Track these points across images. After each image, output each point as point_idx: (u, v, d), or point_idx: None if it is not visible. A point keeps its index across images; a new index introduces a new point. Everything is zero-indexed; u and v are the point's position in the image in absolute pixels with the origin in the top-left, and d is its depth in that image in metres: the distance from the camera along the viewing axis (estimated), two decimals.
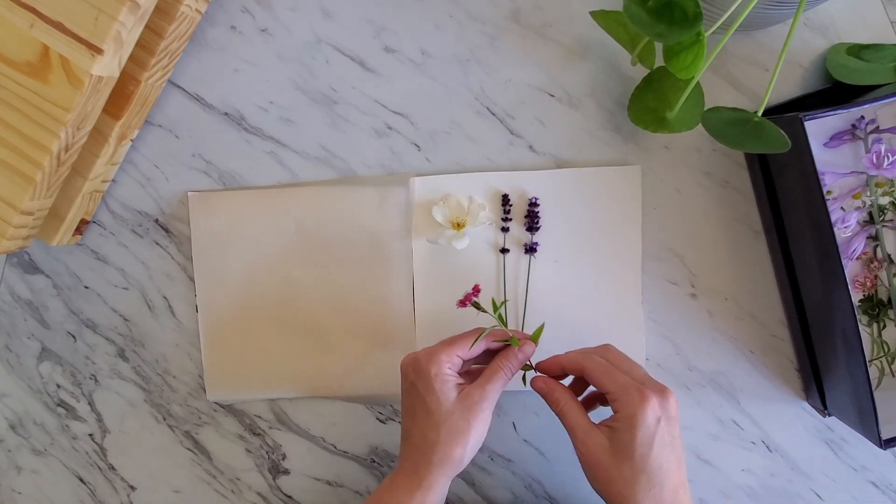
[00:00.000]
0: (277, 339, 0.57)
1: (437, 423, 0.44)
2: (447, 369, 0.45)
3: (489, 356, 0.48)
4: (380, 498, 0.45)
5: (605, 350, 0.47)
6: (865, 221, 0.54)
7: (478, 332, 0.47)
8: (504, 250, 0.56)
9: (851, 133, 0.53)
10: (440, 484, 0.44)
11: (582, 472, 0.58)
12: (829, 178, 0.53)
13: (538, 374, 0.48)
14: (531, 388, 0.48)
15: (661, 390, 0.43)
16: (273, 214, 0.56)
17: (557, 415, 0.46)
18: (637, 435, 0.42)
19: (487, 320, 0.48)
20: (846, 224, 0.53)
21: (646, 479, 0.42)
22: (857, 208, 0.54)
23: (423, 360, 0.45)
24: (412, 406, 0.46)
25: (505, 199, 0.55)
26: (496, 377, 0.46)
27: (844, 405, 0.52)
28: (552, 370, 0.48)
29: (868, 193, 0.54)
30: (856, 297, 0.55)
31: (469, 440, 0.44)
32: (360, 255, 0.56)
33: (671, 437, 0.43)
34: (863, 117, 0.53)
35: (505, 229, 0.56)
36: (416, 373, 0.46)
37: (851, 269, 0.55)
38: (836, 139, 0.53)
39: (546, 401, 0.47)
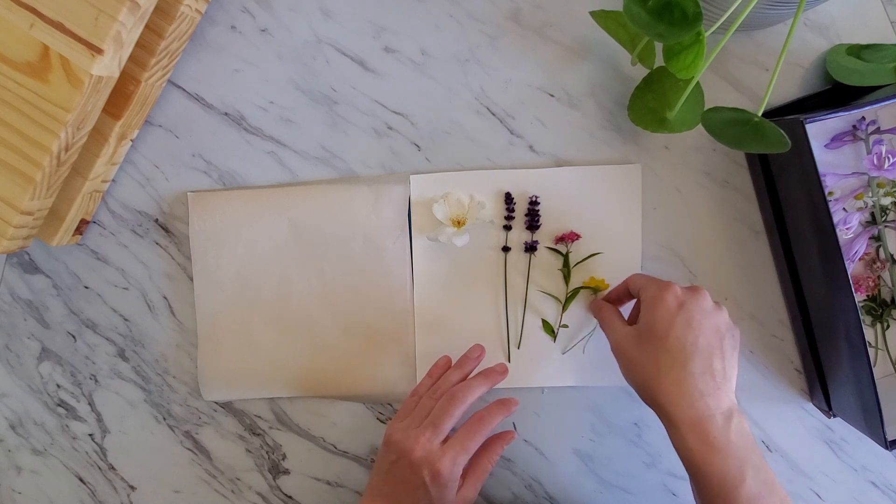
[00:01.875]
0: (273, 338, 0.57)
1: None
2: (459, 474, 0.45)
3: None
4: None
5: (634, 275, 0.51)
6: (868, 222, 0.54)
7: (484, 425, 0.47)
8: (506, 248, 0.56)
9: (852, 134, 0.53)
10: None
11: (580, 474, 0.58)
12: (830, 180, 0.53)
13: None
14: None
15: (693, 287, 0.46)
16: (269, 214, 0.56)
17: (602, 327, 0.50)
18: (655, 315, 0.44)
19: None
20: (848, 225, 0.53)
21: (667, 358, 0.42)
22: (859, 209, 0.54)
23: (444, 469, 0.44)
24: (415, 498, 0.45)
25: (508, 198, 0.55)
26: (485, 474, 0.49)
27: (849, 406, 0.52)
28: (609, 298, 0.53)
29: (870, 194, 0.54)
30: (859, 298, 0.55)
31: None
32: (355, 254, 0.56)
33: (699, 325, 0.43)
34: (863, 118, 0.53)
35: (507, 227, 0.56)
36: (433, 477, 0.44)
37: (854, 270, 0.55)
38: (836, 140, 0.53)
39: (596, 317, 0.52)
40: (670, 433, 0.43)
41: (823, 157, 0.54)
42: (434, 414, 0.47)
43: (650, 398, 0.44)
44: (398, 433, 0.47)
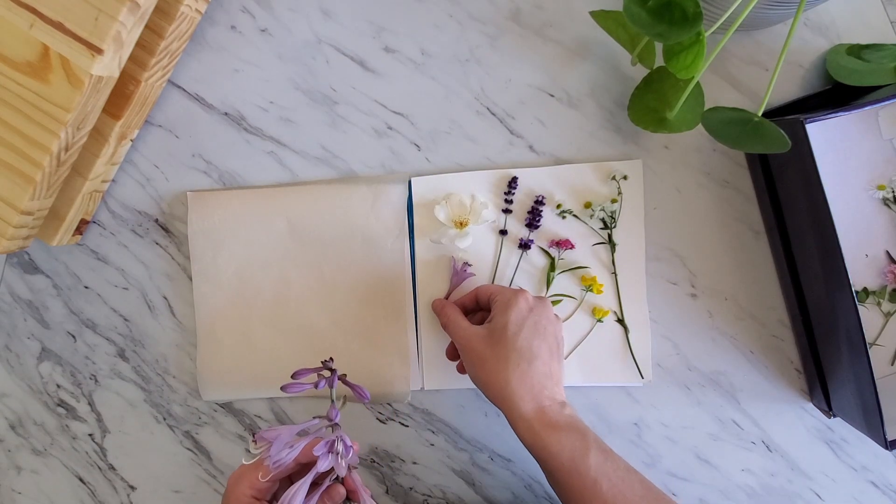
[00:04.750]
0: (272, 337, 0.57)
1: None
2: (248, 497, 0.43)
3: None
4: None
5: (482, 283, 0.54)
6: None
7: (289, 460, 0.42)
8: (503, 231, 0.56)
9: None
10: None
11: None
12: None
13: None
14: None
15: (540, 297, 0.50)
16: (268, 214, 0.56)
17: (445, 327, 0.51)
18: (509, 317, 0.47)
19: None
20: None
21: (516, 356, 0.46)
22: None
23: (231, 478, 0.43)
24: None
25: (512, 182, 0.55)
26: None
27: (849, 406, 0.52)
28: (456, 306, 0.53)
29: None
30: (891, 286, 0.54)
31: None
32: (353, 254, 0.56)
33: (544, 329, 0.47)
34: None
35: (507, 211, 0.56)
36: (225, 490, 0.44)
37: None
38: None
39: (439, 317, 0.52)
40: (516, 424, 0.46)
41: (824, 157, 0.54)
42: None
43: (496, 393, 0.46)
44: None
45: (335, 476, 0.44)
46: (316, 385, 0.44)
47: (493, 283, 0.56)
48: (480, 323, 0.51)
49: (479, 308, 0.53)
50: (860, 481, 0.57)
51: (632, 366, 0.56)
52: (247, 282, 0.57)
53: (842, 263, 0.46)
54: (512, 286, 0.56)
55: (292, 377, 0.44)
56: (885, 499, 0.57)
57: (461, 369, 0.54)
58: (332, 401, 0.45)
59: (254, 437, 0.43)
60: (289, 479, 0.45)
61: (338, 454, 0.42)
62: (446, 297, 0.56)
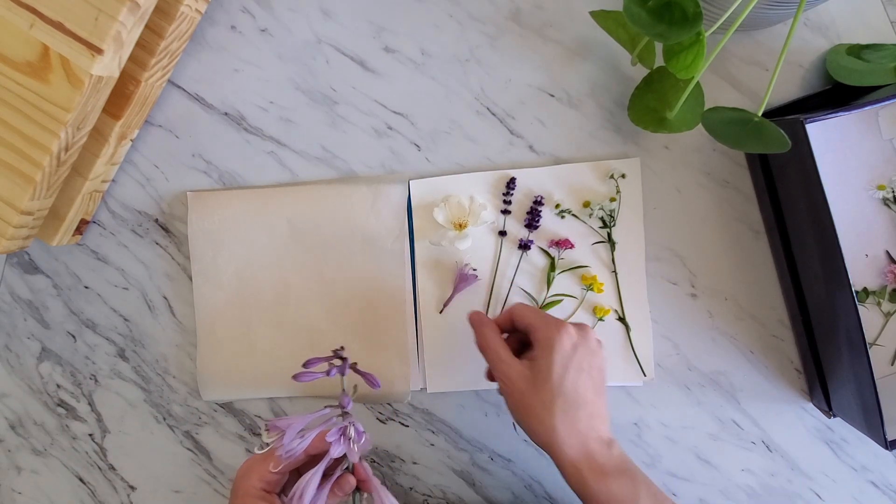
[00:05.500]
0: (272, 337, 0.57)
1: None
2: (257, 490, 0.42)
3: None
4: None
5: (522, 305, 0.50)
6: None
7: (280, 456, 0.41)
8: (502, 233, 0.56)
9: None
10: None
11: None
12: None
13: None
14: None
15: (581, 325, 0.47)
16: (268, 214, 0.56)
17: (483, 350, 0.48)
18: (554, 359, 0.44)
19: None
20: None
21: (562, 402, 0.43)
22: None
23: (240, 470, 0.43)
24: None
25: (510, 184, 0.55)
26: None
27: (849, 406, 0.52)
28: (495, 325, 0.50)
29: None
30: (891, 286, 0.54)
31: None
32: (353, 254, 0.56)
33: (589, 366, 0.45)
34: None
35: (506, 212, 0.56)
36: (233, 483, 0.43)
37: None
38: None
39: (476, 335, 0.49)
40: (564, 470, 0.44)
41: (824, 157, 0.54)
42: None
43: (542, 440, 0.44)
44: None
45: (346, 465, 0.44)
46: (328, 373, 0.44)
47: (493, 285, 0.56)
48: (516, 347, 0.49)
49: (514, 329, 0.50)
50: (860, 481, 0.57)
51: (634, 364, 0.56)
52: (247, 282, 0.57)
53: (842, 263, 0.46)
54: (513, 287, 0.56)
55: (304, 366, 0.44)
56: (885, 499, 0.57)
57: (490, 377, 0.51)
58: (343, 389, 0.45)
59: (266, 426, 0.42)
60: (297, 471, 0.45)
61: (350, 440, 0.42)
62: (448, 301, 0.55)
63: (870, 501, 0.57)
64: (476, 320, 0.49)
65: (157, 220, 0.58)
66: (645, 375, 0.56)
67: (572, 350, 0.45)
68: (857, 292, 0.55)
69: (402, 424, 0.58)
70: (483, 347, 0.48)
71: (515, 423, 0.46)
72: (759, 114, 0.44)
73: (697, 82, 0.46)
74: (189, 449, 0.59)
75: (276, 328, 0.57)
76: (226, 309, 0.57)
